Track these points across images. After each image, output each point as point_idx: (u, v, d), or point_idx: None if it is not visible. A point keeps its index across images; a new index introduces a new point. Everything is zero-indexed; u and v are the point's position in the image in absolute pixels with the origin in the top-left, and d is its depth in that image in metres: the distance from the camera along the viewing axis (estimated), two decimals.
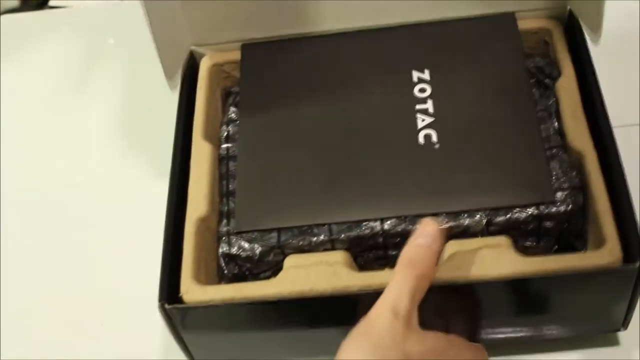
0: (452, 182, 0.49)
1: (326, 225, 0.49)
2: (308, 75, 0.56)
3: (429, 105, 0.52)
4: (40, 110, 0.70)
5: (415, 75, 0.54)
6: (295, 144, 0.53)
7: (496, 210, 0.48)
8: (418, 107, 0.52)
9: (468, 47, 0.55)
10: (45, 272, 0.61)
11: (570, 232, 0.49)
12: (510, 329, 0.50)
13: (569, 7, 0.56)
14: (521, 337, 0.51)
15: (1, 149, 0.67)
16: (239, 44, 0.58)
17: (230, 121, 0.56)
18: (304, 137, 0.53)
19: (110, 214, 0.63)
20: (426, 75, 0.54)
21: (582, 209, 0.48)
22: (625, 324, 0.49)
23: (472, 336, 0.49)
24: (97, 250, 0.61)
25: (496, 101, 0.52)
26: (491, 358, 0.51)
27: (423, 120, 0.52)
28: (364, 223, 0.49)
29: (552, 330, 0.50)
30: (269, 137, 0.54)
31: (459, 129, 0.51)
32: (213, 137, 0.56)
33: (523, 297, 0.47)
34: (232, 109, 0.57)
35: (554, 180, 0.49)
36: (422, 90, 0.53)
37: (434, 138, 0.51)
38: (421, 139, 0.51)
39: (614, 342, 0.51)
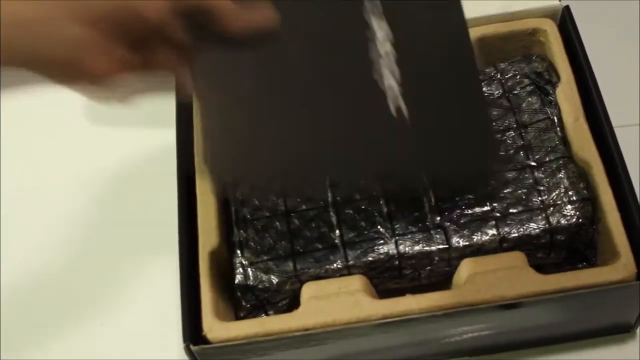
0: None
1: (342, 252, 0.50)
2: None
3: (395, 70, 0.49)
4: (40, 110, 0.69)
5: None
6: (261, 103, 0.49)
7: (509, 227, 0.49)
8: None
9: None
10: (46, 272, 0.60)
11: (581, 242, 0.50)
12: (522, 335, 0.52)
13: (562, 6, 0.56)
14: (532, 340, 0.52)
15: (2, 149, 0.67)
16: None
17: None
18: (271, 101, 0.49)
19: (110, 214, 0.63)
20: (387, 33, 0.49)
21: (592, 219, 0.49)
22: (635, 326, 0.51)
23: None
24: (97, 250, 0.61)
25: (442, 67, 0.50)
26: (504, 358, 0.53)
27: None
28: (378, 247, 0.49)
29: (562, 333, 0.52)
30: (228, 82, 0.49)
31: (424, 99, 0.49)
32: None
33: (539, 312, 0.48)
34: None
35: (563, 193, 0.50)
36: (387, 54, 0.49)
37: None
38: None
39: (623, 341, 0.53)
